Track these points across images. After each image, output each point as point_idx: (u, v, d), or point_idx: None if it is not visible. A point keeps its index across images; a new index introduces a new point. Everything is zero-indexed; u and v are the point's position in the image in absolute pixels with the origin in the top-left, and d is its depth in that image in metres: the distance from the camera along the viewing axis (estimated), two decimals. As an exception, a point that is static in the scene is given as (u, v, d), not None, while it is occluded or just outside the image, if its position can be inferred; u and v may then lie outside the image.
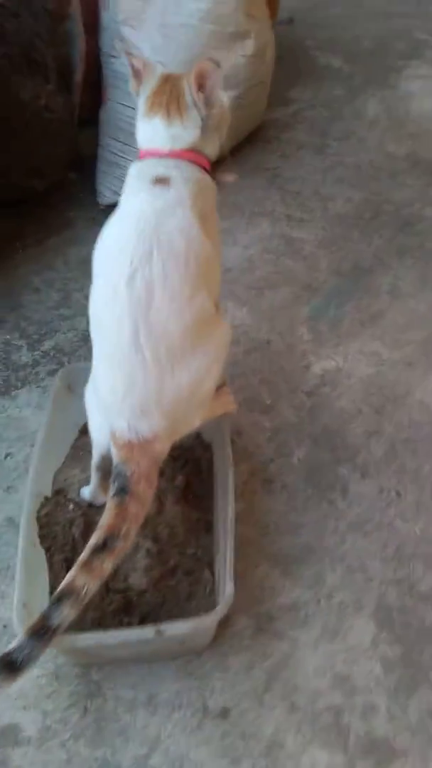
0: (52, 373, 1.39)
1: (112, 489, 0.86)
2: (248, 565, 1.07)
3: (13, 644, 0.77)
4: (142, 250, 0.85)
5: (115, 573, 0.95)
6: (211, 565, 1.02)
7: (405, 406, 1.31)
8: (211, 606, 0.94)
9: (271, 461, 1.22)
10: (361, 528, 1.12)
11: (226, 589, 0.89)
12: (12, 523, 1.13)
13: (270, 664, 0.97)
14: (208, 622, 0.90)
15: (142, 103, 1.00)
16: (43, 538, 1.04)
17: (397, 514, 1.14)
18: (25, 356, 1.45)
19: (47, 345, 1.47)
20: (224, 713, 0.92)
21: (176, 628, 0.89)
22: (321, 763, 0.88)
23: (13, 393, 1.37)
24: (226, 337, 0.96)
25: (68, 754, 0.90)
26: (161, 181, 0.92)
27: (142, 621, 0.97)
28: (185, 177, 0.94)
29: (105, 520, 0.84)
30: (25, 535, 1.00)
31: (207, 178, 0.99)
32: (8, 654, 0.76)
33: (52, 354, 1.45)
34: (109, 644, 0.92)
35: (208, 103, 0.96)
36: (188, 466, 1.14)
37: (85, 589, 0.80)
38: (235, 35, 1.83)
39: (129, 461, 0.86)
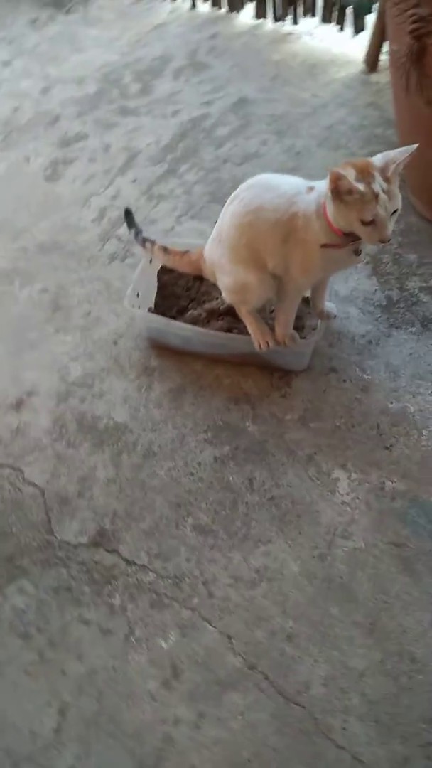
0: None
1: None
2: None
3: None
4: (244, 193, 1.35)
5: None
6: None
7: None
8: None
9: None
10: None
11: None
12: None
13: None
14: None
15: None
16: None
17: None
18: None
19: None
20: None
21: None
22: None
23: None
24: (236, 278, 1.40)
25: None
26: (310, 189, 1.28)
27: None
28: (310, 200, 1.24)
29: (171, 248, 1.57)
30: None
31: (318, 222, 1.22)
32: (138, 232, 1.64)
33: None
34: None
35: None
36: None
37: (152, 249, 1.58)
38: None
39: (192, 252, 1.56)
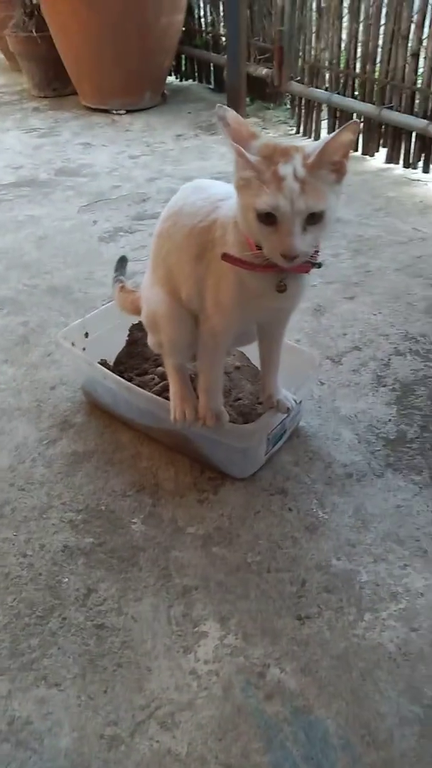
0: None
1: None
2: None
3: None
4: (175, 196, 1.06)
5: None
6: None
7: None
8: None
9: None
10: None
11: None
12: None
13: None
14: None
15: None
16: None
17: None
18: None
19: None
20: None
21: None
22: None
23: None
24: (149, 305, 1.10)
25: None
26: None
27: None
28: (233, 204, 0.90)
29: (127, 286, 1.33)
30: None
31: (234, 232, 0.89)
32: (119, 274, 1.42)
33: None
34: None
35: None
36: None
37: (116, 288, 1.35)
38: None
39: (136, 291, 1.27)
